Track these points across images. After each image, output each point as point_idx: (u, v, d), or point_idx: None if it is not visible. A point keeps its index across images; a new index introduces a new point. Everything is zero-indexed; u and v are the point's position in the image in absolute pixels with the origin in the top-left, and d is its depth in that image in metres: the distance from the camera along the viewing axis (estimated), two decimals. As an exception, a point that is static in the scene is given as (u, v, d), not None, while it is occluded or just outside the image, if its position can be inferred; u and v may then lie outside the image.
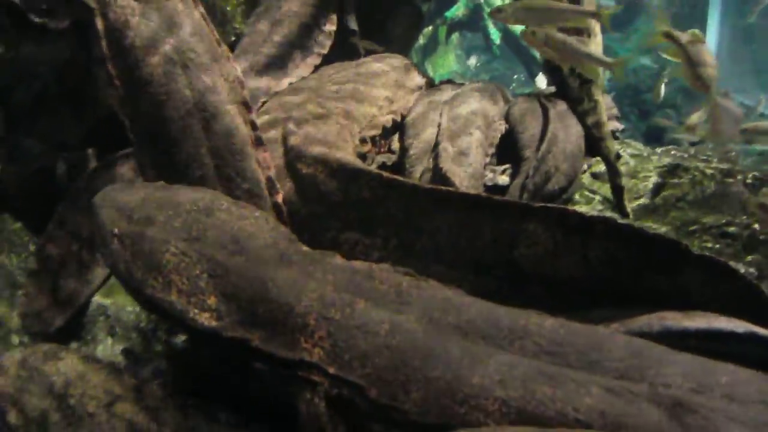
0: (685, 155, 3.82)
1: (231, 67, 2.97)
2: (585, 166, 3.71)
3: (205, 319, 2.11)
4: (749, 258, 3.33)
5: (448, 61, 12.69)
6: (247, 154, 2.83)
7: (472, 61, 13.03)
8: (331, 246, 2.67)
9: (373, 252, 2.62)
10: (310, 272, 2.14)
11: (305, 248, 2.32)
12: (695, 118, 4.09)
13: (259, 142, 2.89)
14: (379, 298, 2.08)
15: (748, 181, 3.66)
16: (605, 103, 3.85)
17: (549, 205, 2.42)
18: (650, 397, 1.79)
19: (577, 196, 3.61)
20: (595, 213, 3.12)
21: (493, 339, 1.98)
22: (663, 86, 7.07)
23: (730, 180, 3.59)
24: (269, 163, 2.87)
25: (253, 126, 2.91)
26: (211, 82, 2.87)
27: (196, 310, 2.12)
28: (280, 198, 2.83)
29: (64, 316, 3.50)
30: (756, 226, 3.36)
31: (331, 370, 1.98)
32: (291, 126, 3.06)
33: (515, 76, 12.97)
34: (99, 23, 2.91)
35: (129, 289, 2.35)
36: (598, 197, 3.63)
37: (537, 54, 10.50)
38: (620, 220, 3.06)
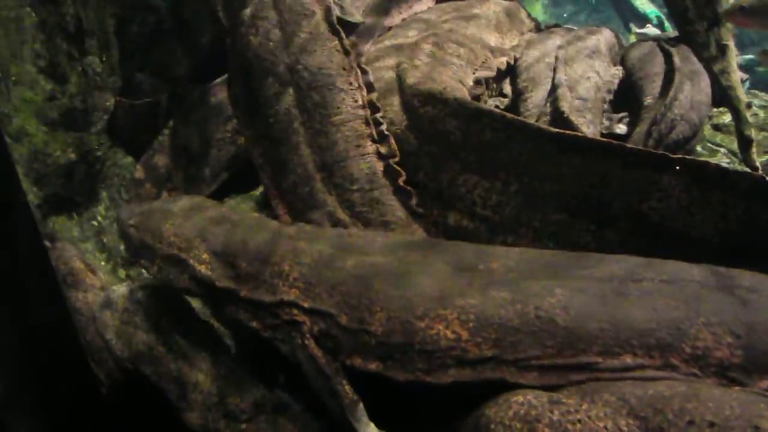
0: (820, 108, 3.53)
1: (354, 82, 2.80)
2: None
3: (203, 269, 2.48)
4: None
5: (534, 12, 12.26)
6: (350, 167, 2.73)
7: (559, 11, 12.55)
8: (447, 187, 2.61)
9: (491, 195, 2.52)
10: (283, 232, 2.49)
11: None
12: None
13: (382, 138, 2.74)
14: (347, 247, 2.33)
15: None
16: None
17: (687, 156, 2.25)
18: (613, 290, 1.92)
19: (699, 149, 3.39)
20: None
21: (456, 267, 2.11)
22: None
23: None
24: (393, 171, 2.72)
25: (381, 136, 2.75)
26: (324, 99, 2.76)
27: (194, 262, 2.51)
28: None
29: None
30: None
31: (306, 305, 2.21)
32: (406, 64, 2.95)
33: (607, 29, 12.40)
34: (228, 42, 2.90)
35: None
36: (722, 150, 3.40)
37: (636, 3, 10.02)
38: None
